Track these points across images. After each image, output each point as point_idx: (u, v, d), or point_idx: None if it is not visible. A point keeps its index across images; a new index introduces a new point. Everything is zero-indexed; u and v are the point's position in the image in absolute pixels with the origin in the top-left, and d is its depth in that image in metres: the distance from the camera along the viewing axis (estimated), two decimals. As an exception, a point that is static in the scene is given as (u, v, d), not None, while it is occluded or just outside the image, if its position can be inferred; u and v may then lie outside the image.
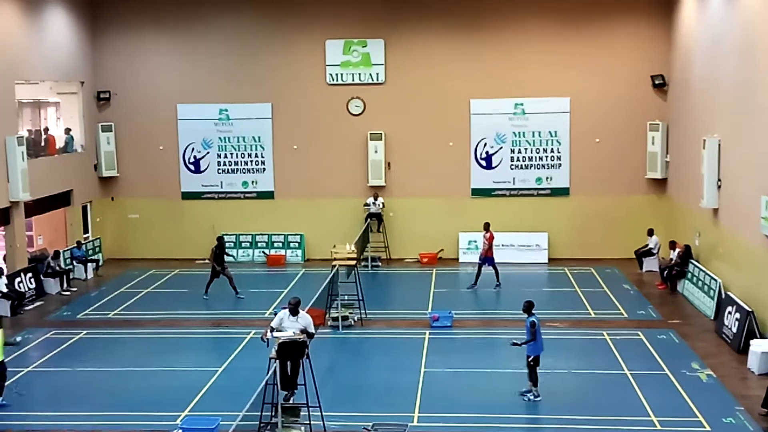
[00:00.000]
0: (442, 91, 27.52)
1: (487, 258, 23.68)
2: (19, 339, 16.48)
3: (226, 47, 28.02)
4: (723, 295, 19.91)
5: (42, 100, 29.66)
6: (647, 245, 25.79)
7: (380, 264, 27.25)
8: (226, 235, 28.08)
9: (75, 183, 26.92)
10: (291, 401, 14.06)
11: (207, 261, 23.67)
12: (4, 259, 23.96)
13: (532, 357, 15.52)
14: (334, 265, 20.49)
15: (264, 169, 28.40)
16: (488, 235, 23.61)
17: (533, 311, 15.68)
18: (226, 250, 23.99)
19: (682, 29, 25.16)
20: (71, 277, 25.26)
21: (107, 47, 28.21)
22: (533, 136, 27.53)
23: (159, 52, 28.36)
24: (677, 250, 23.51)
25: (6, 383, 16.06)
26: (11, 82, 23.72)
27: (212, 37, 28.01)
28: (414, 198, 27.91)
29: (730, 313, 18.82)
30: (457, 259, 27.59)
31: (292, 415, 13.68)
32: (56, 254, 24.90)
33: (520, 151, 27.62)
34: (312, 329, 14.40)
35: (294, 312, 14.33)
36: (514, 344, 15.71)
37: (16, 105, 24.78)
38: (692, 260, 22.65)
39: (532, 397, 15.46)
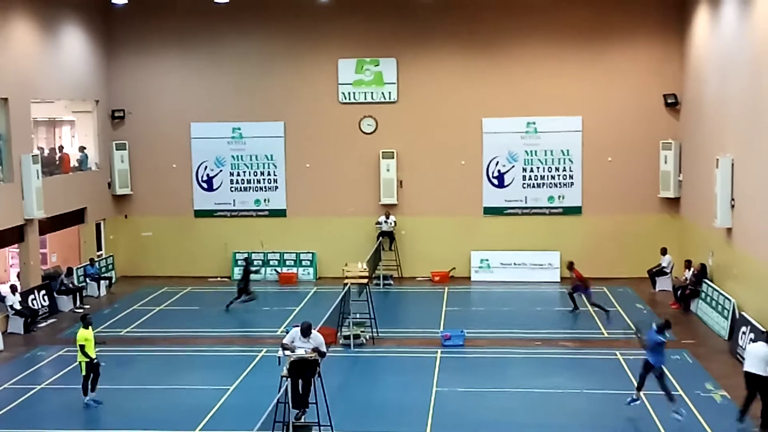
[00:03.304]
0: (454, 110, 27.58)
1: (582, 288, 22.79)
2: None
3: (239, 66, 28.21)
4: (737, 315, 19.78)
5: (57, 119, 29.96)
6: (660, 264, 25.67)
7: (392, 282, 27.22)
8: (239, 253, 28.23)
9: (89, 201, 27.07)
10: (302, 420, 14.03)
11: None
12: (18, 276, 24.09)
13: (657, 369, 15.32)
14: (346, 284, 20.49)
15: (276, 187, 28.49)
16: (575, 274, 22.92)
17: (665, 331, 15.59)
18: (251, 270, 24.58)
19: (695, 48, 25.16)
20: (84, 294, 25.34)
21: (122, 66, 28.46)
22: (545, 154, 27.53)
23: (173, 72, 28.57)
24: (692, 269, 23.38)
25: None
26: (27, 100, 23.93)
27: (225, 57, 28.20)
28: (426, 216, 27.91)
29: (744, 333, 18.68)
30: (469, 277, 27.54)
31: (304, 433, 13.66)
32: (69, 271, 25.01)
33: (532, 170, 27.61)
34: (324, 348, 14.39)
35: (306, 333, 14.33)
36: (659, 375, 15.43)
37: (32, 123, 24.98)
38: (706, 280, 22.52)
39: (679, 417, 14.99)
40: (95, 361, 16.47)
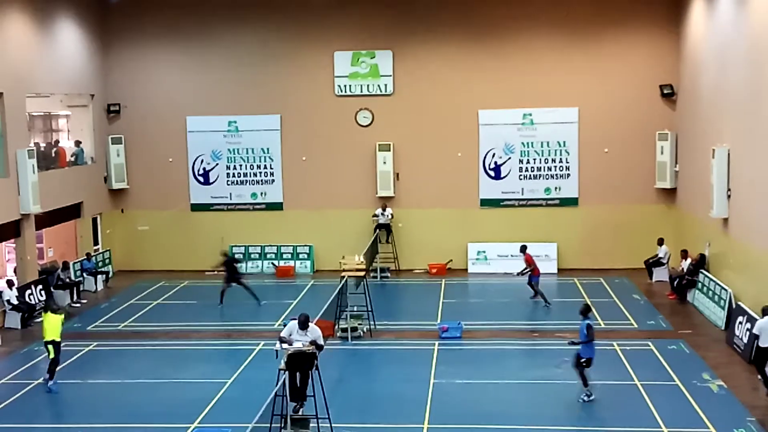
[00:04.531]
0: (451, 102, 27.56)
1: (533, 277, 23.04)
2: None
3: (235, 59, 28.14)
4: (734, 305, 19.82)
5: (53, 113, 29.87)
6: (657, 255, 25.71)
7: (389, 275, 27.24)
8: (236, 247, 28.23)
9: (85, 195, 27.03)
10: (300, 413, 14.06)
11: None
12: (15, 271, 24.06)
13: (585, 359, 15.87)
14: (343, 276, 20.47)
15: (273, 180, 28.47)
16: (525, 257, 23.06)
17: (589, 315, 16.24)
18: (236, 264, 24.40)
19: (691, 38, 25.14)
20: (81, 289, 25.32)
21: (117, 60, 28.39)
22: (542, 146, 27.52)
23: (168, 65, 28.51)
24: (689, 259, 23.42)
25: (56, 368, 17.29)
26: (22, 95, 23.86)
27: (221, 50, 28.14)
28: (423, 208, 27.91)
29: (740, 323, 18.72)
30: (467, 269, 27.57)
31: (302, 426, 13.68)
32: (66, 266, 24.98)
33: (528, 162, 27.61)
34: (321, 341, 14.40)
35: (303, 326, 14.34)
36: (572, 343, 16.25)
37: (27, 118, 24.92)
38: (702, 270, 22.56)
39: (585, 398, 15.72)
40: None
